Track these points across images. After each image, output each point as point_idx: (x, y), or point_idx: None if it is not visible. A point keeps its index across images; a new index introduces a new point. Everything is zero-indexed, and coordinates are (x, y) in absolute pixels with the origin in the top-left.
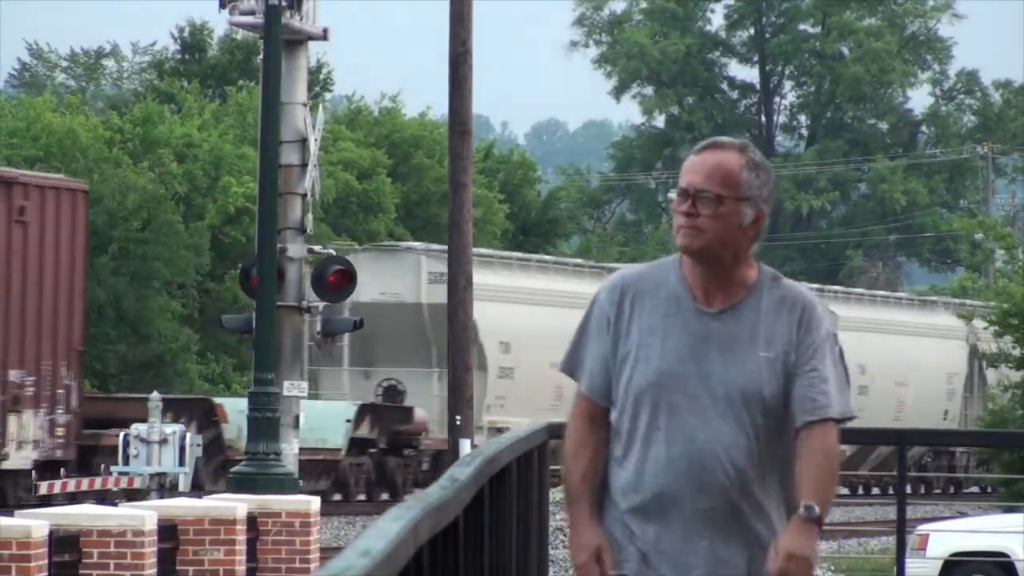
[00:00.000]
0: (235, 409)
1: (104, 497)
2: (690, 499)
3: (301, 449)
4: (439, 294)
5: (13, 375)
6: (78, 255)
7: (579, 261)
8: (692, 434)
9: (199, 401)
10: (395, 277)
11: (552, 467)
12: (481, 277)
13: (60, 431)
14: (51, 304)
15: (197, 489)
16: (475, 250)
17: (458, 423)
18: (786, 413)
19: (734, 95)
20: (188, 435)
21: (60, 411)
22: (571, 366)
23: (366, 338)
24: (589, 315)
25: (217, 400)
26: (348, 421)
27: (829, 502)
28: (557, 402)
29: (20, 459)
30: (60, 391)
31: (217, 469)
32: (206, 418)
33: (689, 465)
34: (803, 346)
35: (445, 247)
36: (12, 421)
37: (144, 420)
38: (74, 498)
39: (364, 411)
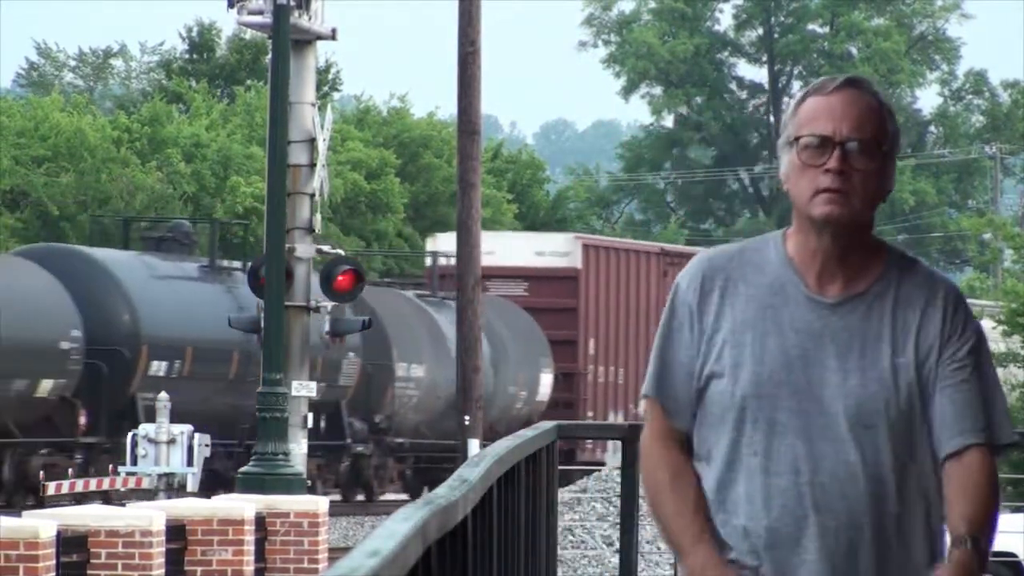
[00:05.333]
0: None
1: (111, 498)
2: (801, 548)
3: None
4: None
5: None
6: None
7: None
8: (800, 463)
9: None
10: None
11: (560, 467)
12: None
13: None
14: None
15: None
16: None
17: (467, 423)
18: (922, 436)
19: (743, 95)
20: (196, 435)
21: None
22: (656, 386)
23: None
24: (671, 312)
25: None
26: None
27: (989, 536)
28: None
29: None
30: None
31: None
32: None
33: (798, 503)
34: (949, 350)
35: None
36: None
37: None
38: (82, 498)
39: None
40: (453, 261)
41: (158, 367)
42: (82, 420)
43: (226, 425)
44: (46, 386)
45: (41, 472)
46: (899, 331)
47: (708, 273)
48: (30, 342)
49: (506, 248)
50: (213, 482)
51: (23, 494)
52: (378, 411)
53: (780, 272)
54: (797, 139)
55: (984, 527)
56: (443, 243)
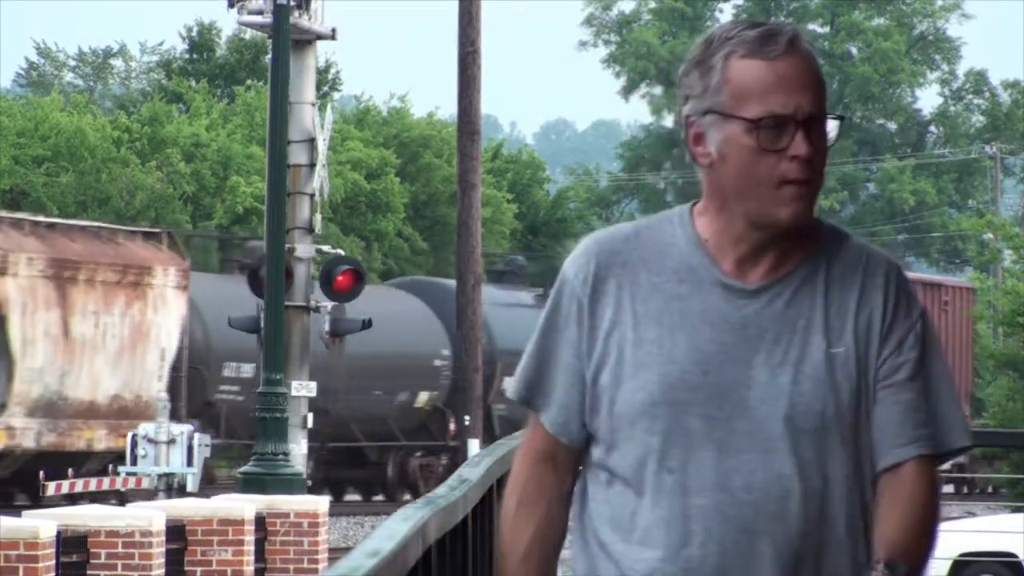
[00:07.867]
0: None
1: (111, 498)
2: None
3: None
4: None
5: None
6: (965, 341)
7: None
8: (724, 479)
9: None
10: None
11: None
12: None
13: None
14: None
15: None
16: None
17: (466, 423)
18: (868, 441)
19: None
20: (196, 435)
21: None
22: (530, 389)
23: None
24: (555, 306)
25: None
26: None
27: (923, 562)
28: None
29: None
30: None
31: None
32: None
33: (725, 527)
34: (893, 339)
35: None
36: None
37: None
38: (81, 498)
39: None
40: None
41: (508, 382)
42: (451, 427)
43: None
44: (423, 397)
45: (41, 472)
46: (833, 317)
47: (601, 259)
48: (411, 360)
49: None
50: None
51: (402, 490)
52: None
53: (688, 255)
54: (740, 117)
55: (913, 552)
56: None
